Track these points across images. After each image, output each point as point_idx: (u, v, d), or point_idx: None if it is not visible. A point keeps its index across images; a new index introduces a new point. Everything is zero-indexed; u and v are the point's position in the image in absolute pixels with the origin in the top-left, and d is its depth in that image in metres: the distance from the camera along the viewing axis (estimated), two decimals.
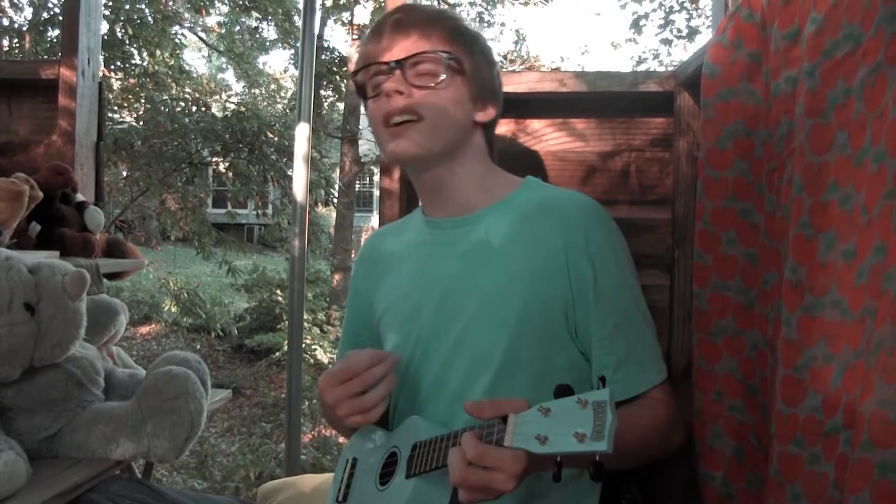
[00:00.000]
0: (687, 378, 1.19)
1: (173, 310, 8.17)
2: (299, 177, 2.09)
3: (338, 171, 9.21)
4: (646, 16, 10.05)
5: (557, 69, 10.22)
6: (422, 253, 1.09)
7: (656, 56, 10.73)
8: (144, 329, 8.63)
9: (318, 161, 7.82)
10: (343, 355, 1.22)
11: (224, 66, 19.46)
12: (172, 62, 9.18)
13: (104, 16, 6.92)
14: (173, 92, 8.61)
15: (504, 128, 1.44)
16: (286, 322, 5.88)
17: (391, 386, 0.94)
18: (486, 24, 10.71)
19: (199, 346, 8.09)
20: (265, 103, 14.50)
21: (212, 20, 11.31)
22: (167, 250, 12.52)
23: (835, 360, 0.77)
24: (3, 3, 7.30)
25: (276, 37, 10.87)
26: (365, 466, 1.00)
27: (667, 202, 1.39)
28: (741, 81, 1.06)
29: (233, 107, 7.98)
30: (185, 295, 7.71)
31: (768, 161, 1.00)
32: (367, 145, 9.74)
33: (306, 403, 5.46)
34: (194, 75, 11.49)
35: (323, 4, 8.93)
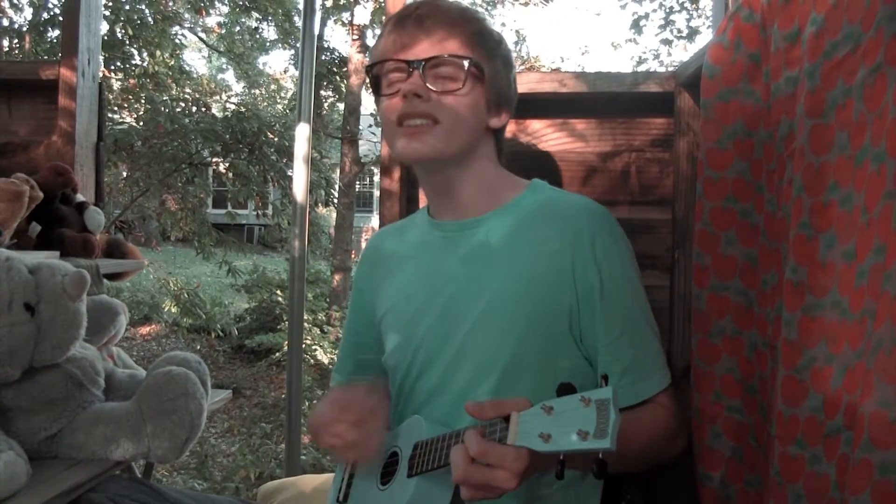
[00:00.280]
0: (686, 378, 1.19)
1: (173, 310, 8.16)
2: (299, 177, 2.09)
3: (338, 171, 9.20)
4: (646, 16, 10.03)
5: (557, 70, 10.22)
6: (426, 254, 1.09)
7: (656, 56, 10.72)
8: (144, 329, 8.63)
9: (319, 161, 7.84)
10: (340, 363, 1.23)
11: (224, 66, 19.50)
12: (172, 63, 9.19)
13: (104, 16, 6.92)
14: (173, 92, 8.63)
15: None
16: (286, 322, 5.88)
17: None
18: None
19: (199, 347, 8.08)
20: (265, 104, 14.52)
21: (212, 20, 11.35)
22: (167, 251, 12.53)
23: (835, 361, 0.77)
24: (3, 4, 7.29)
25: (276, 37, 10.88)
26: (365, 466, 1.00)
27: (667, 202, 1.39)
28: (741, 82, 1.06)
29: (233, 107, 8.00)
30: (185, 295, 7.70)
31: (768, 161, 1.00)
32: (367, 146, 9.74)
33: (306, 404, 5.46)
34: (194, 76, 11.50)
35: (323, 5, 8.92)
